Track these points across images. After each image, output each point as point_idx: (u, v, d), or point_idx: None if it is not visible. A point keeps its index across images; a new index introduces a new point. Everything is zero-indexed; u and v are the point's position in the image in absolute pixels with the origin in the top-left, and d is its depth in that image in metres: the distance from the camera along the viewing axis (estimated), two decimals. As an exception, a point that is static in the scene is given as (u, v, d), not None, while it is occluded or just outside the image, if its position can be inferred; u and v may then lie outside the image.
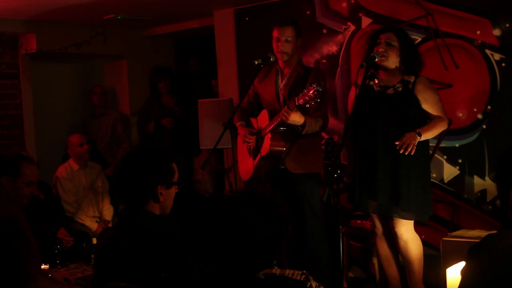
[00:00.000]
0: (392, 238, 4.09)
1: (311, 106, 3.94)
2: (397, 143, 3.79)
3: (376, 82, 4.02)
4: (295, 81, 4.27)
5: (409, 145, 3.78)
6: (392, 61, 3.93)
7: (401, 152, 3.78)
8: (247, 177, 4.51)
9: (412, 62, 3.96)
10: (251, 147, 4.42)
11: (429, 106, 3.93)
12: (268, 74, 4.44)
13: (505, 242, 1.87)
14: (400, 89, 3.94)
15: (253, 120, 4.51)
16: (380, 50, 3.90)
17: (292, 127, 4.11)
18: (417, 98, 3.91)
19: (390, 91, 3.96)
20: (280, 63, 4.37)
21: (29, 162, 3.50)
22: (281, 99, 4.31)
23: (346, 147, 4.30)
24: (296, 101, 3.88)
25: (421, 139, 3.82)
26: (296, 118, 4.00)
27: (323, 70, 4.42)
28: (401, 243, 4.00)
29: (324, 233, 4.37)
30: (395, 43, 3.92)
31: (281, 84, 4.35)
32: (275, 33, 4.30)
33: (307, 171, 4.28)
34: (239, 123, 4.47)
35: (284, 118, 3.97)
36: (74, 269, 4.29)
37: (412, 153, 3.79)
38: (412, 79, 3.94)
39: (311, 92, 3.79)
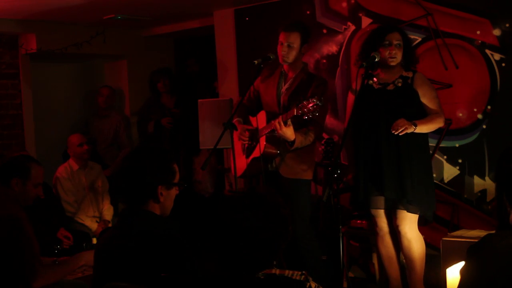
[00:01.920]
0: (395, 238, 4.10)
1: (308, 118, 3.92)
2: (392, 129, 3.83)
3: (375, 80, 4.05)
4: (297, 88, 4.25)
5: (400, 127, 3.80)
6: (399, 60, 4.01)
7: (392, 131, 3.80)
8: (238, 174, 4.51)
9: (411, 58, 4.05)
10: (245, 145, 4.43)
11: (426, 100, 3.99)
12: (272, 75, 4.42)
13: (504, 242, 1.87)
14: (400, 84, 3.99)
15: (252, 118, 4.51)
16: (393, 52, 3.93)
17: (299, 125, 4.09)
18: (417, 92, 3.97)
19: (391, 87, 4.02)
20: (284, 66, 4.36)
21: (37, 164, 3.56)
22: (281, 103, 4.31)
23: (345, 149, 4.31)
24: (295, 111, 3.85)
25: (415, 131, 3.85)
26: (287, 134, 3.98)
27: (325, 80, 4.39)
28: (405, 242, 4.01)
29: (314, 237, 4.36)
30: (401, 43, 3.99)
31: (283, 88, 4.34)
32: (280, 37, 4.28)
33: (298, 177, 4.27)
34: (236, 119, 4.46)
35: (277, 127, 3.95)
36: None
37: (400, 134, 3.81)
38: (410, 74, 4.02)
39: (310, 105, 3.77)
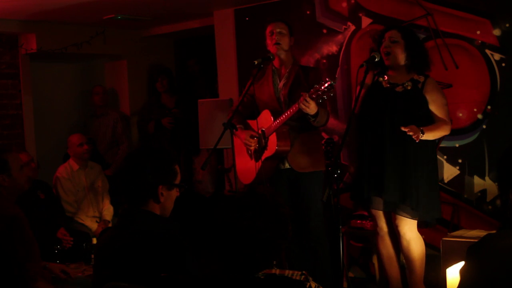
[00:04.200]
0: (396, 238, 4.09)
1: (323, 101, 3.93)
2: (403, 128, 3.73)
3: (386, 78, 4.01)
4: (295, 80, 4.27)
5: (413, 132, 3.72)
6: (399, 58, 3.94)
7: (405, 129, 3.70)
8: (248, 180, 4.48)
9: (419, 59, 3.96)
10: (252, 150, 4.40)
11: (435, 107, 3.93)
12: (264, 74, 4.43)
13: (505, 242, 1.87)
14: (409, 87, 3.94)
15: (252, 122, 4.49)
16: (385, 47, 3.91)
17: (304, 118, 4.10)
18: (425, 98, 3.91)
19: (399, 88, 3.97)
20: (276, 62, 4.37)
21: (9, 151, 3.53)
22: (282, 98, 4.31)
23: (347, 146, 4.31)
24: (308, 95, 3.87)
25: (422, 138, 3.80)
26: (312, 107, 3.95)
27: (321, 69, 4.45)
28: (404, 243, 4.00)
29: (325, 233, 4.37)
30: (400, 40, 3.92)
31: (280, 84, 4.35)
32: (269, 28, 4.34)
33: (312, 170, 4.29)
34: (238, 126, 4.45)
35: (303, 107, 3.91)
36: (74, 269, 4.29)
37: (414, 138, 3.73)
38: (421, 79, 3.95)
39: (324, 86, 3.80)
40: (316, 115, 4.03)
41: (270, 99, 4.36)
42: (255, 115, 4.49)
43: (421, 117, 3.90)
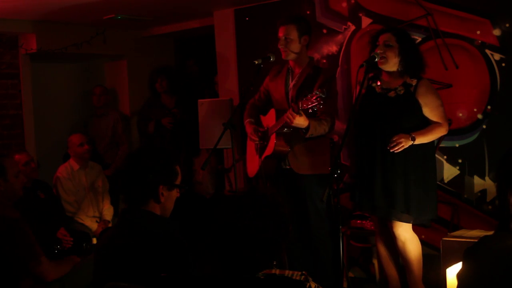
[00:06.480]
0: (391, 238, 4.09)
1: (314, 112, 3.91)
2: (393, 139, 3.76)
3: (379, 84, 3.99)
4: (304, 82, 4.25)
5: (397, 144, 3.74)
6: (392, 63, 3.89)
7: (388, 148, 3.74)
8: (252, 174, 4.52)
9: (412, 63, 3.91)
10: (258, 145, 4.42)
11: (429, 110, 3.88)
12: (280, 73, 4.43)
13: (502, 244, 1.86)
14: (401, 92, 3.89)
15: (262, 118, 4.51)
16: (379, 52, 3.88)
17: (296, 130, 4.10)
18: (418, 102, 3.88)
19: (392, 94, 3.93)
20: (291, 62, 4.35)
21: (7, 156, 3.56)
22: (290, 99, 4.30)
23: (347, 147, 4.30)
24: (300, 105, 3.84)
25: (414, 143, 3.78)
26: (301, 121, 3.95)
27: (333, 72, 4.36)
28: (399, 244, 3.99)
29: (329, 234, 4.36)
30: (394, 44, 3.88)
31: (291, 84, 4.34)
32: (279, 32, 4.30)
33: (313, 172, 4.26)
34: (247, 120, 4.48)
35: (288, 120, 3.92)
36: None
37: (396, 152, 3.74)
38: (414, 82, 3.89)
39: (313, 98, 3.74)
40: (307, 128, 4.01)
41: (280, 98, 4.36)
42: (267, 111, 4.51)
43: (413, 124, 3.85)
